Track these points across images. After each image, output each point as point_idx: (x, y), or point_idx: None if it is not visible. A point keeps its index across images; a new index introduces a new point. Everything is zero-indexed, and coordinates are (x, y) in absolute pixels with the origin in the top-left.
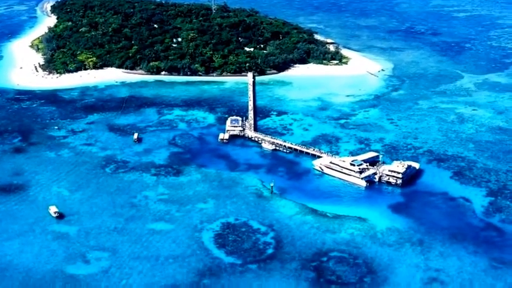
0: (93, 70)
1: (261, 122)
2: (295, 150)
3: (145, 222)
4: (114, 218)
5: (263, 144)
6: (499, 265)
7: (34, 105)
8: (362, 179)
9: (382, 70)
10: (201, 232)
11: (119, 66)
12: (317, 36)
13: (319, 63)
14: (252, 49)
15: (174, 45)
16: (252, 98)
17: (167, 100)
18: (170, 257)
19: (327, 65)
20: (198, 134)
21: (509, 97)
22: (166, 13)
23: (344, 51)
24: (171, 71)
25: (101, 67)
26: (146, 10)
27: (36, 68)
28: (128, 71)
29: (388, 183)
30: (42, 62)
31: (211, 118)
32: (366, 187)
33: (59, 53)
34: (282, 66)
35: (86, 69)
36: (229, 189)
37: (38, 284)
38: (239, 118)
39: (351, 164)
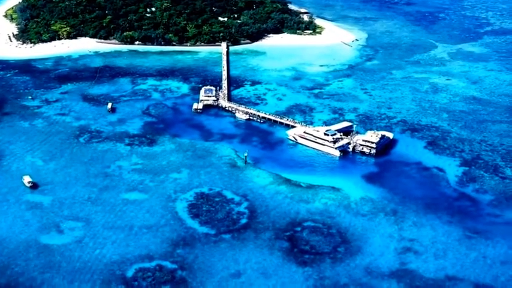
0: (67, 40)
1: (234, 92)
2: (269, 120)
3: (119, 192)
4: (88, 188)
5: (237, 114)
6: (473, 235)
7: (8, 75)
8: (336, 148)
9: (356, 40)
10: (175, 202)
11: (93, 36)
12: (291, 6)
13: (293, 33)
14: (225, 19)
15: (147, 14)
16: (225, 68)
17: (141, 70)
18: (144, 227)
19: (301, 34)
20: (172, 104)
21: (483, 67)
22: None
23: (318, 21)
24: (145, 40)
25: (75, 37)
26: None
27: (10, 38)
28: (102, 40)
29: (362, 153)
30: (16, 31)
31: (185, 88)
32: (340, 157)
33: (32, 22)
34: (256, 36)
35: (59, 39)
36: (203, 159)
37: (11, 254)
38: (213, 88)
39: (325, 134)
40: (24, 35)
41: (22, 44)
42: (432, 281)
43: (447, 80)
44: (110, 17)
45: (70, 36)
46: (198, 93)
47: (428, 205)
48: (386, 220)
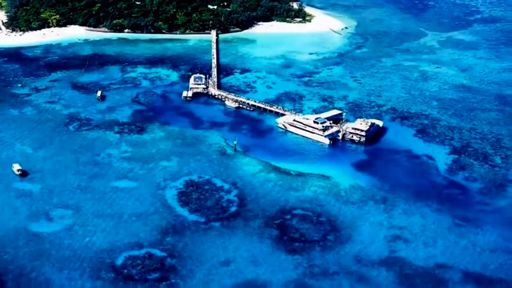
0: (57, 28)
1: (224, 80)
2: (259, 108)
3: (109, 180)
4: (78, 176)
5: (226, 102)
6: (462, 223)
7: None
8: (325, 136)
9: (346, 28)
10: (164, 190)
11: (82, 24)
12: None
13: (283, 21)
14: (215, 7)
15: (137, 2)
16: (215, 56)
17: (130, 58)
18: (133, 215)
19: (290, 22)
20: (162, 92)
21: (472, 55)
22: None
23: (307, 9)
24: (135, 28)
25: (64, 25)
26: None
27: None
28: (91, 28)
29: (352, 141)
30: (5, 19)
31: (174, 76)
32: (330, 145)
33: (22, 10)
34: (246, 24)
35: (49, 26)
36: (192, 147)
37: (1, 242)
38: (202, 76)
39: (315, 122)
40: (14, 23)
41: (11, 32)
42: (422, 269)
43: (437, 68)
44: (99, 4)
45: (59, 24)
46: (188, 81)
47: (418, 193)
48: (376, 208)
